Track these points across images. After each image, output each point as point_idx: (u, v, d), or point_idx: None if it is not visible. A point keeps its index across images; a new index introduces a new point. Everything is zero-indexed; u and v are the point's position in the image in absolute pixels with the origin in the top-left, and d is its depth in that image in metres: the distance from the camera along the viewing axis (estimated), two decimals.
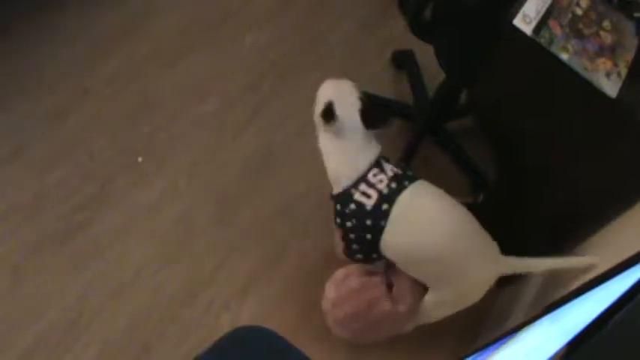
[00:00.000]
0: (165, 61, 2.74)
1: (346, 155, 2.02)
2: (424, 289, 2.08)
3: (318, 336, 2.22)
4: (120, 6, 2.82)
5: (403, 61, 2.96)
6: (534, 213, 2.25)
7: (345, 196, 1.99)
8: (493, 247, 2.01)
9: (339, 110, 1.99)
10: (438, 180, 2.45)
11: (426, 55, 2.51)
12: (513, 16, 1.85)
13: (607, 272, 0.99)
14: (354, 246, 2.05)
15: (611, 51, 1.92)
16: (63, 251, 2.26)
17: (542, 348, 0.89)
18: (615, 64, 1.89)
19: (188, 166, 2.53)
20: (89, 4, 2.80)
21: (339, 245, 2.12)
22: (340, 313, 2.14)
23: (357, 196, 1.96)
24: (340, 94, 2.07)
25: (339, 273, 2.16)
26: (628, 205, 1.96)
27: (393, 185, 1.96)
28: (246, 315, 2.27)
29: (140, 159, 2.49)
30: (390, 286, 2.12)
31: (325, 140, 2.05)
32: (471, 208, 2.39)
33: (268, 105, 2.76)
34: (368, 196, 1.95)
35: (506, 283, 2.49)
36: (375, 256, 2.05)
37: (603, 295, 0.91)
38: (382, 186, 1.96)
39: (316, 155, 2.39)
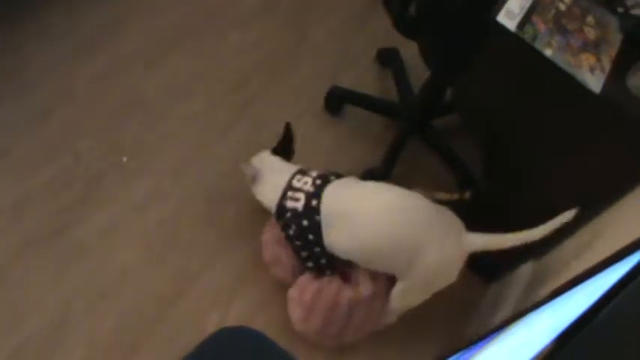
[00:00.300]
0: (151, 60, 2.73)
1: (268, 185, 2.19)
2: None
3: (305, 336, 2.22)
4: (107, 5, 2.81)
5: (388, 58, 2.96)
6: (521, 209, 2.25)
7: (280, 210, 2.10)
8: (456, 226, 2.03)
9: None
10: (424, 177, 2.47)
11: (411, 52, 2.51)
12: (497, 12, 1.86)
13: (594, 267, 0.99)
14: (303, 253, 2.11)
15: (595, 46, 1.92)
16: (48, 253, 2.24)
17: (529, 345, 0.89)
18: (599, 60, 1.89)
19: (175, 165, 2.52)
20: (75, 3, 2.79)
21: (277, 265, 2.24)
22: (314, 326, 2.16)
23: (289, 204, 2.08)
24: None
25: (292, 292, 2.19)
26: (614, 200, 1.97)
27: (318, 182, 2.08)
28: (234, 315, 2.26)
29: (125, 158, 2.47)
30: (345, 277, 2.16)
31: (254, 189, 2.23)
32: (459, 205, 2.40)
33: (255, 103, 2.75)
34: (297, 200, 2.07)
35: (494, 276, 2.50)
36: (324, 261, 2.10)
37: (591, 290, 0.91)
38: (308, 186, 2.08)
39: (302, 151, 2.39)
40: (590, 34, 1.96)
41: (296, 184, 2.10)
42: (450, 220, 2.05)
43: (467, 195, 2.36)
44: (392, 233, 1.99)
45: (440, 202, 2.48)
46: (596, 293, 0.84)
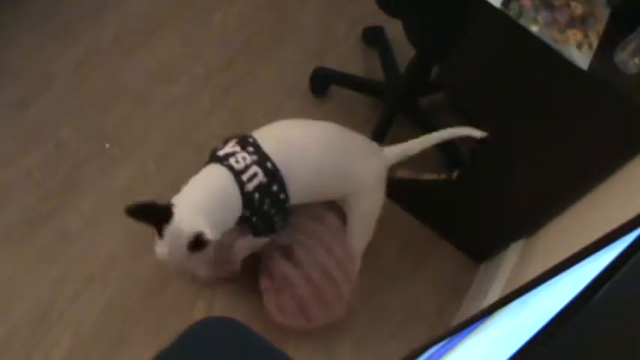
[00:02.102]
0: (132, 44, 2.68)
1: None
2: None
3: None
4: None
5: (374, 37, 2.92)
6: (508, 189, 2.24)
7: (247, 197, 1.93)
8: (373, 145, 2.20)
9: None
10: (412, 157, 2.44)
11: (396, 31, 2.47)
12: None
13: (586, 248, 0.97)
14: (277, 218, 2.04)
15: (582, 22, 1.90)
16: (32, 242, 2.21)
17: (517, 332, 0.87)
18: (586, 35, 1.87)
19: (159, 150, 2.48)
20: None
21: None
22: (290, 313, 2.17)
23: (250, 185, 1.93)
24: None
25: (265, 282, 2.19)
26: (604, 176, 1.96)
27: (251, 148, 1.97)
28: (220, 303, 2.24)
29: (107, 145, 2.43)
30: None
31: None
32: (447, 184, 2.38)
33: (239, 85, 2.71)
34: (255, 175, 1.93)
35: (484, 257, 2.49)
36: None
37: (583, 273, 0.89)
38: (249, 158, 1.94)
39: None
40: (577, 9, 1.93)
41: (239, 166, 1.94)
42: (366, 140, 2.20)
43: (455, 175, 2.33)
44: (332, 162, 2.06)
45: (428, 182, 2.47)
46: (589, 276, 0.82)
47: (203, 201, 1.89)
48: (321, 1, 3.06)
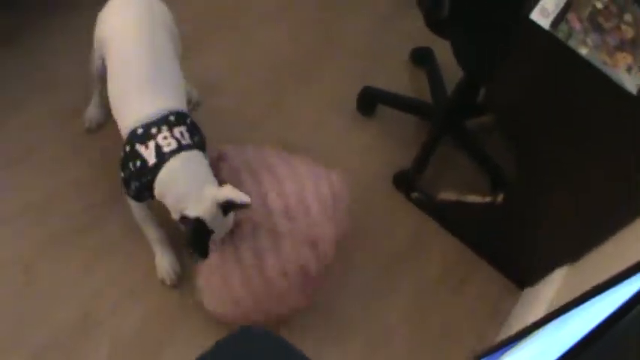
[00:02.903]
0: (181, 56, 2.71)
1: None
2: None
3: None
4: None
5: (422, 58, 2.92)
6: (553, 213, 2.20)
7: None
8: None
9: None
10: (456, 179, 2.43)
11: (445, 52, 2.47)
12: (531, 9, 1.81)
13: (613, 278, 0.95)
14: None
15: (633, 45, 1.87)
16: (75, 250, 2.24)
17: (548, 353, 0.85)
18: (636, 59, 1.84)
19: None
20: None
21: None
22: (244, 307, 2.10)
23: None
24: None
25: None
26: None
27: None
28: None
29: None
30: None
31: None
32: (491, 207, 2.36)
33: (285, 101, 2.73)
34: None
35: (527, 282, 2.45)
36: None
37: (608, 303, 0.87)
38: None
39: (334, 151, 2.35)
40: (628, 32, 1.90)
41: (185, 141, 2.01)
42: None
43: (499, 198, 2.31)
44: None
45: (472, 204, 2.45)
46: (620, 301, 0.80)
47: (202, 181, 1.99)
48: (370, 21, 3.07)
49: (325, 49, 2.93)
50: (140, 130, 2.00)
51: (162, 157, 1.97)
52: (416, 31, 2.80)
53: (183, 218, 1.95)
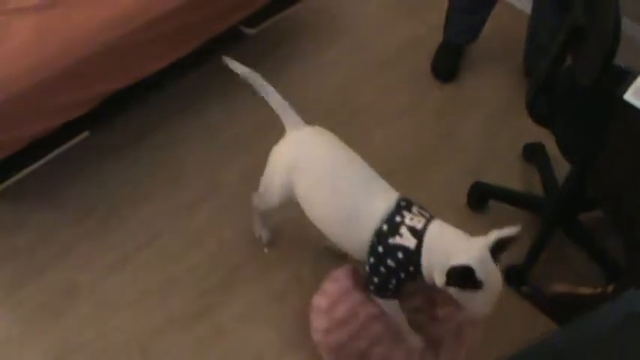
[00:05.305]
0: None
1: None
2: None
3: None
4: (262, 105, 2.93)
5: (533, 153, 2.92)
6: None
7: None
8: None
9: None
10: (570, 272, 2.37)
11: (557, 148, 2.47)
12: (624, 90, 1.80)
13: None
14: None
15: None
16: (188, 335, 2.35)
17: None
18: None
19: (316, 257, 2.57)
20: (229, 106, 2.98)
21: None
22: (334, 341, 2.13)
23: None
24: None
25: (319, 301, 2.18)
26: None
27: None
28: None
29: (266, 250, 2.57)
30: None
31: None
32: (602, 298, 2.28)
33: None
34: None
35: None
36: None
37: None
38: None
39: None
40: None
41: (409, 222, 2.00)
42: None
43: (610, 289, 2.24)
44: None
45: (584, 296, 2.38)
46: None
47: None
48: (483, 117, 3.12)
49: (438, 146, 3.00)
50: (385, 227, 2.00)
51: (419, 234, 1.95)
52: (529, 127, 2.81)
53: (450, 273, 1.85)
